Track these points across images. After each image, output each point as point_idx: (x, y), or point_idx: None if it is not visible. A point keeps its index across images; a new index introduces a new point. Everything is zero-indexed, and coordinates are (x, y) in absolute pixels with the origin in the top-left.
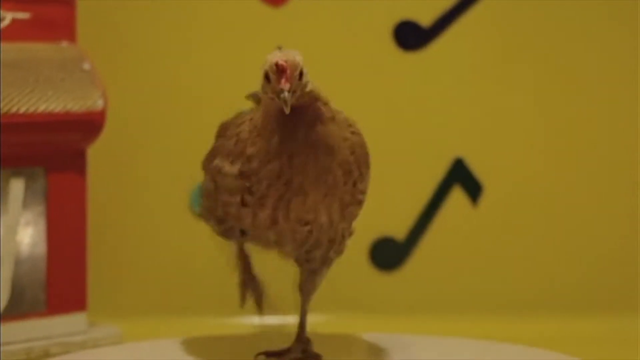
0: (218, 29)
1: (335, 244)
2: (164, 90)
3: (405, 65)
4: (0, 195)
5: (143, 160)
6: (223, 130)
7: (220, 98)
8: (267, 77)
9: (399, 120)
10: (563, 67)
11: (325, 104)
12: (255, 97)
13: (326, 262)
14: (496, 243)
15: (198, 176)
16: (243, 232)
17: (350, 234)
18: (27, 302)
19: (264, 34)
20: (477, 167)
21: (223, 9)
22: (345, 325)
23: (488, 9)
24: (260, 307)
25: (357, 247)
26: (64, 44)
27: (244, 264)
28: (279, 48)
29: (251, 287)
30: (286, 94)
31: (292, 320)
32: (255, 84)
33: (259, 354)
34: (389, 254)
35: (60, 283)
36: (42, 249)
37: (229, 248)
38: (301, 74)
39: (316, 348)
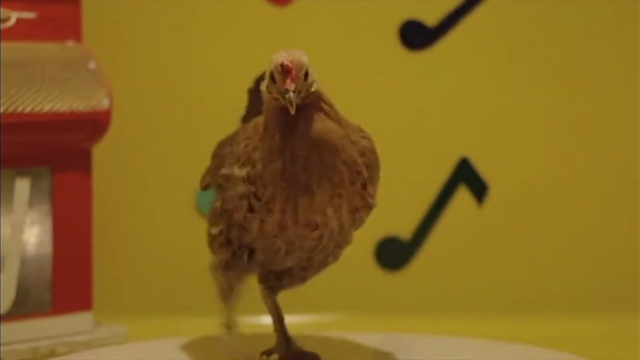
0: (224, 28)
1: (340, 249)
2: (170, 90)
3: (410, 65)
4: (2, 194)
5: (148, 160)
6: (219, 149)
7: (226, 97)
8: (272, 77)
9: (405, 120)
10: (568, 67)
11: (331, 106)
12: (256, 86)
13: (321, 268)
14: (501, 243)
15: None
16: (251, 253)
17: (349, 242)
18: (32, 302)
19: (270, 34)
20: (483, 167)
21: (228, 9)
22: (350, 324)
23: (493, 9)
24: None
25: (362, 246)
26: (70, 43)
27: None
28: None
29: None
30: (291, 94)
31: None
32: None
33: (264, 352)
34: (394, 254)
35: (65, 282)
36: (47, 248)
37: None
38: (306, 74)
39: (319, 348)
